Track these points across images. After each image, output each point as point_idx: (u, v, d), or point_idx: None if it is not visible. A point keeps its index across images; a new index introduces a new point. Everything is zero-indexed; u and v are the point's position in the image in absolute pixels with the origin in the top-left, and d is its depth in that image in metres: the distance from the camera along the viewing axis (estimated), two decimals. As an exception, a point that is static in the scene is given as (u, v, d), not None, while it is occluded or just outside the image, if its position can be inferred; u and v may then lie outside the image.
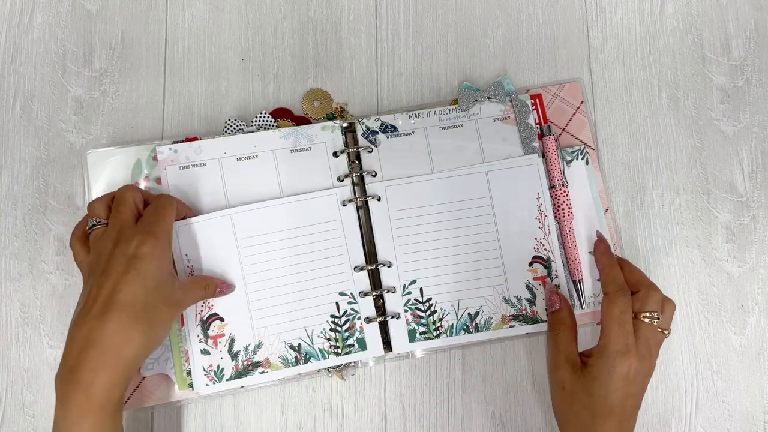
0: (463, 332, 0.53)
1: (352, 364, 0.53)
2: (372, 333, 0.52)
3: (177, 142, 0.54)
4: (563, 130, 0.57)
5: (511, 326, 0.53)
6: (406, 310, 0.53)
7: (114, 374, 0.41)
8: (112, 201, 0.47)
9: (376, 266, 0.53)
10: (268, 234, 0.52)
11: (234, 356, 0.51)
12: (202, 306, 0.51)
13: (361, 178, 0.55)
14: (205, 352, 0.51)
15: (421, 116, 0.56)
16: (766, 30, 0.60)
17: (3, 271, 0.54)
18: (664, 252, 0.57)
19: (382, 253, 0.53)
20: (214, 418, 0.53)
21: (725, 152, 0.58)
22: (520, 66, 0.59)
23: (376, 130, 0.55)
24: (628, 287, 0.48)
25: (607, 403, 0.44)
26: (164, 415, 0.53)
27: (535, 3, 0.60)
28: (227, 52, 0.58)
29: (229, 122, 0.55)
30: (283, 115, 0.57)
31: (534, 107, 0.57)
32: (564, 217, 0.54)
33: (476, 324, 0.53)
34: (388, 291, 0.53)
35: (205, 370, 0.51)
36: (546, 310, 0.52)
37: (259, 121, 0.56)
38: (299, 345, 0.52)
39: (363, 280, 0.53)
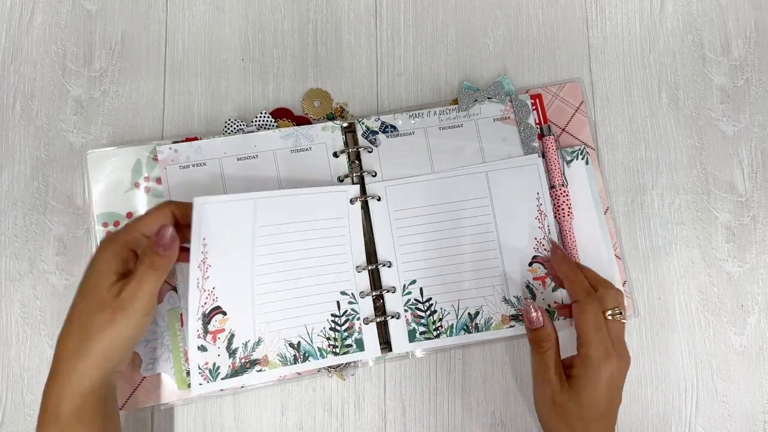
0: (463, 332, 0.53)
1: (352, 364, 0.53)
2: (370, 334, 0.52)
3: (177, 142, 0.54)
4: (563, 130, 0.57)
5: (511, 326, 0.53)
6: (406, 310, 0.53)
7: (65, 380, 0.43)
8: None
9: (377, 266, 0.53)
10: (283, 224, 0.51)
11: (232, 353, 0.51)
12: (206, 299, 0.51)
13: (361, 178, 0.55)
14: (202, 348, 0.50)
15: (421, 116, 0.56)
16: (766, 30, 0.60)
17: (3, 271, 0.54)
18: (664, 252, 0.57)
19: (382, 253, 0.53)
20: (214, 418, 0.53)
21: (725, 152, 0.58)
22: (520, 66, 0.59)
23: (376, 130, 0.55)
24: None
25: (598, 409, 0.45)
26: (164, 415, 0.53)
27: (535, 3, 0.60)
28: (227, 52, 0.58)
29: (229, 122, 0.55)
30: (283, 115, 0.57)
31: (534, 107, 0.57)
32: (564, 217, 0.54)
33: (476, 324, 0.53)
34: (388, 291, 0.53)
35: (200, 369, 0.50)
36: (526, 327, 0.49)
37: (259, 121, 0.56)
38: (299, 343, 0.51)
39: (363, 280, 0.53)
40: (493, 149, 0.55)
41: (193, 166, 0.54)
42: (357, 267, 0.53)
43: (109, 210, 0.53)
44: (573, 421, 0.45)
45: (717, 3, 0.61)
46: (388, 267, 0.53)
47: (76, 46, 0.58)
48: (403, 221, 0.54)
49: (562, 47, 0.60)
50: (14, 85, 0.57)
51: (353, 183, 0.54)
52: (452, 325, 0.53)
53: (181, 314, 0.52)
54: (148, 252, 0.44)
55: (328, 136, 0.55)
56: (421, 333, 0.53)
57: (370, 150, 0.55)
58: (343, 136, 0.55)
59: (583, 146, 0.57)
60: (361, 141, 0.55)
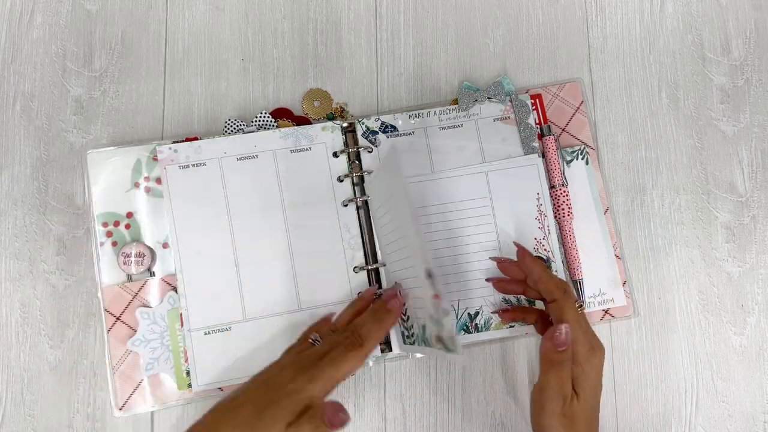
0: (462, 332, 0.53)
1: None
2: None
3: (177, 142, 0.54)
4: (563, 130, 0.57)
5: (511, 326, 0.53)
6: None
7: None
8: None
9: (375, 267, 0.53)
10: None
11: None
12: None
13: (361, 178, 0.55)
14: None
15: (421, 116, 0.56)
16: (766, 30, 0.60)
17: (3, 271, 0.54)
18: (664, 252, 0.57)
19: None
20: (214, 418, 0.53)
21: (725, 152, 0.58)
22: (520, 66, 0.59)
23: (376, 130, 0.55)
24: None
25: (595, 402, 0.46)
26: (164, 415, 0.53)
27: (535, 3, 0.60)
28: (227, 52, 0.58)
29: (229, 122, 0.55)
30: (283, 115, 0.57)
31: (534, 107, 0.57)
32: (564, 217, 0.54)
33: (476, 324, 0.53)
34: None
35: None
36: (548, 347, 0.45)
37: (259, 121, 0.56)
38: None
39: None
40: (493, 149, 0.55)
41: (193, 166, 0.54)
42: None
43: (109, 210, 0.53)
44: (578, 424, 0.45)
45: (717, 3, 0.61)
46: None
47: (76, 46, 0.58)
48: None
49: (562, 47, 0.60)
50: (14, 85, 0.57)
51: (353, 183, 0.54)
52: None
53: (180, 314, 0.52)
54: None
55: (328, 136, 0.55)
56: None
57: (370, 150, 0.55)
58: (343, 136, 0.55)
59: (583, 146, 0.57)
60: (361, 141, 0.55)
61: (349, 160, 0.55)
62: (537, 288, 0.48)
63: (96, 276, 0.53)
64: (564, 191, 0.55)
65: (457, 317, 0.53)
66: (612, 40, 0.60)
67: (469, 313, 0.53)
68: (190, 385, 0.51)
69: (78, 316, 0.53)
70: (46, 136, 0.56)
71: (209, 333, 0.52)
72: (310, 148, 0.55)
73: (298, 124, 0.56)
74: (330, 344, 0.44)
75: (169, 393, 0.52)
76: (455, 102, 0.57)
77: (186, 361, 0.51)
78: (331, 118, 0.57)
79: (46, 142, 0.56)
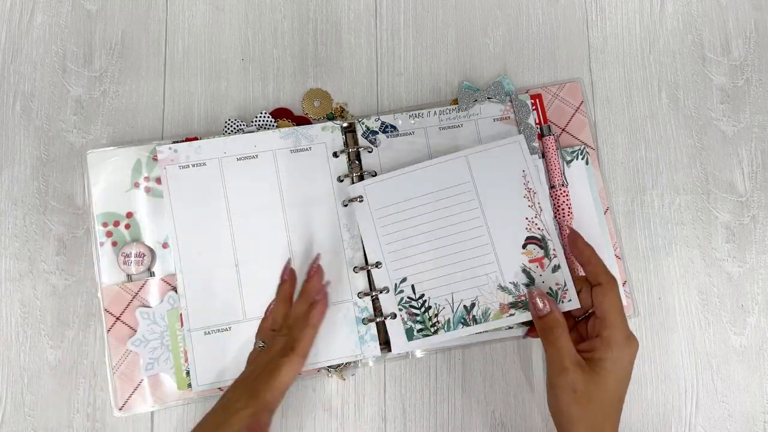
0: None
1: (352, 364, 0.53)
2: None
3: (177, 142, 0.54)
4: (563, 130, 0.57)
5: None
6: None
7: None
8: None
9: (368, 267, 0.53)
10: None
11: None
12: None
13: (361, 178, 0.55)
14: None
15: (421, 116, 0.56)
16: (766, 30, 0.60)
17: (3, 271, 0.54)
18: (664, 252, 0.57)
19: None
20: (214, 418, 0.53)
21: (725, 152, 0.58)
22: (520, 66, 0.59)
23: (376, 130, 0.55)
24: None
25: (622, 391, 0.45)
26: (164, 415, 0.53)
27: (535, 3, 0.60)
28: (227, 52, 0.58)
29: (229, 122, 0.56)
30: (283, 115, 0.57)
31: (534, 107, 0.57)
32: (564, 217, 0.54)
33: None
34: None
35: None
36: (533, 316, 0.48)
37: (259, 121, 0.56)
38: None
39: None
40: (493, 149, 0.55)
41: (193, 166, 0.54)
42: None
43: (109, 210, 0.53)
44: (595, 407, 0.44)
45: (717, 3, 0.61)
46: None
47: (76, 46, 0.58)
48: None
49: (562, 47, 0.60)
50: (14, 85, 0.57)
51: (353, 183, 0.54)
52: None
53: (180, 314, 0.52)
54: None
55: (328, 136, 0.55)
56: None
57: (370, 150, 0.55)
58: (343, 136, 0.55)
59: (583, 146, 0.57)
60: (361, 141, 0.55)
61: (349, 160, 0.55)
62: (585, 270, 0.49)
63: (96, 276, 0.53)
64: (564, 191, 0.55)
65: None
66: (612, 40, 0.60)
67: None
68: (190, 385, 0.51)
69: (78, 316, 0.54)
70: (46, 136, 0.56)
71: (209, 333, 0.52)
72: (310, 148, 0.55)
73: (298, 124, 0.56)
74: (270, 349, 0.47)
75: (169, 393, 0.52)
76: (455, 102, 0.57)
77: (186, 361, 0.51)
78: (331, 118, 0.57)
79: (46, 142, 0.56)
